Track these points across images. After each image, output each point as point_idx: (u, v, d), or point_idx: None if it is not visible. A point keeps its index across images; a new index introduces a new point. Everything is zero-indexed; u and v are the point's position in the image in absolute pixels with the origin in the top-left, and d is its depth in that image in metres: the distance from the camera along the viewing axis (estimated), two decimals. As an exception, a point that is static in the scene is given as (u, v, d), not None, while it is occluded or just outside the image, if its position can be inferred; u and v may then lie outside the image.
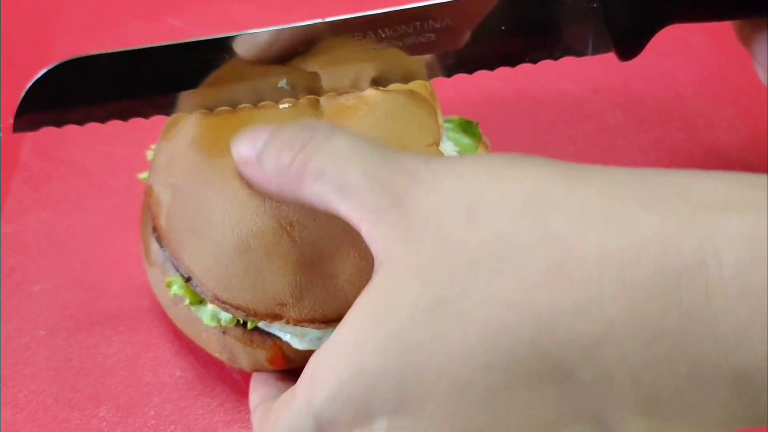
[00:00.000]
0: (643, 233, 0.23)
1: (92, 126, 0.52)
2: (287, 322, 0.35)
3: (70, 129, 0.51)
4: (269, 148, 0.31)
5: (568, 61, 0.55)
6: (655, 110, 0.52)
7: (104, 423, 0.38)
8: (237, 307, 0.35)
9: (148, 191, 0.38)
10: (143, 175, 0.42)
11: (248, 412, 0.39)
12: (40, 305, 0.43)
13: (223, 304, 0.35)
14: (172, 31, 0.58)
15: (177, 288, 0.37)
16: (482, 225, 0.25)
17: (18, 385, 0.40)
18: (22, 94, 0.35)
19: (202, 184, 0.36)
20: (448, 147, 0.40)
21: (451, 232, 0.25)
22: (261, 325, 0.36)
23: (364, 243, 0.28)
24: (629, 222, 0.23)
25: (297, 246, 0.34)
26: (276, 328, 0.36)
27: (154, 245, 0.39)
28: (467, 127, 0.41)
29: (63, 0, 0.60)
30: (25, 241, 0.46)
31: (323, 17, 0.36)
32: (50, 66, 0.34)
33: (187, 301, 0.37)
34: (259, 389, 0.36)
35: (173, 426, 0.38)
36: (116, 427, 0.38)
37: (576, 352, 0.23)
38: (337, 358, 0.26)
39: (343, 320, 0.27)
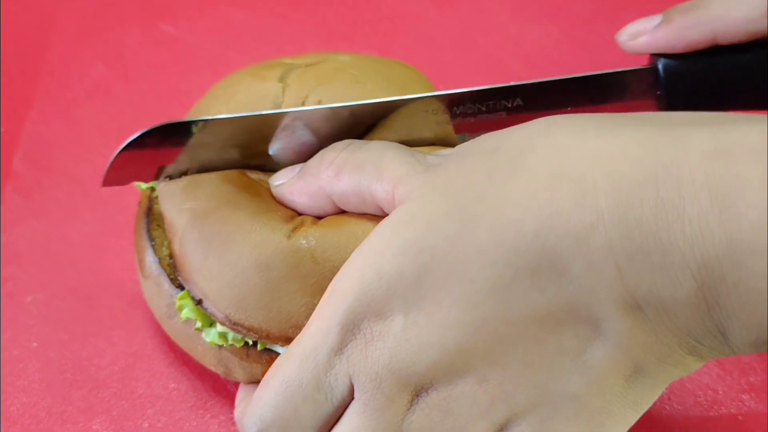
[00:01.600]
0: (628, 137, 0.27)
1: (83, 135, 0.52)
2: None
3: (61, 138, 0.52)
4: (314, 158, 0.36)
5: (563, 67, 0.55)
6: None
7: (97, 436, 0.38)
8: (249, 329, 0.35)
9: (159, 217, 0.38)
10: (142, 184, 0.41)
11: (243, 423, 0.39)
12: (33, 316, 0.42)
13: (235, 325, 0.35)
14: (166, 39, 0.58)
15: (188, 311, 0.36)
16: (501, 151, 0.29)
17: (10, 398, 0.39)
18: (117, 152, 0.37)
19: (228, 206, 0.36)
20: None
21: (473, 159, 0.29)
22: (270, 347, 0.36)
23: None
24: (619, 131, 0.27)
25: (318, 268, 0.34)
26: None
27: (149, 258, 0.38)
28: None
29: (58, 6, 0.60)
30: (17, 251, 0.45)
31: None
32: (145, 129, 0.37)
33: (198, 324, 0.36)
34: (246, 399, 0.35)
35: (167, 438, 0.38)
36: (109, 440, 0.38)
37: (571, 244, 0.26)
38: (358, 268, 0.29)
39: (366, 238, 0.30)
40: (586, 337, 0.27)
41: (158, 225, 0.39)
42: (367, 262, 0.29)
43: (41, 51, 0.57)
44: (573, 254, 0.26)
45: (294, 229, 0.35)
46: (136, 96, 0.54)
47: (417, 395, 0.29)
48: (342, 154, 0.34)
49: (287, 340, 0.34)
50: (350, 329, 0.29)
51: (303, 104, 0.38)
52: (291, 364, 0.30)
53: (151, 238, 0.38)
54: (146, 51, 0.57)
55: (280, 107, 0.39)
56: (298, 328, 0.33)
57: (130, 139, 0.37)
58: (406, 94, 0.38)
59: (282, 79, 0.40)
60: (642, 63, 0.40)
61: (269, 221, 0.35)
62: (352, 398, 0.29)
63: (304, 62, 0.41)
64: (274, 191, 0.37)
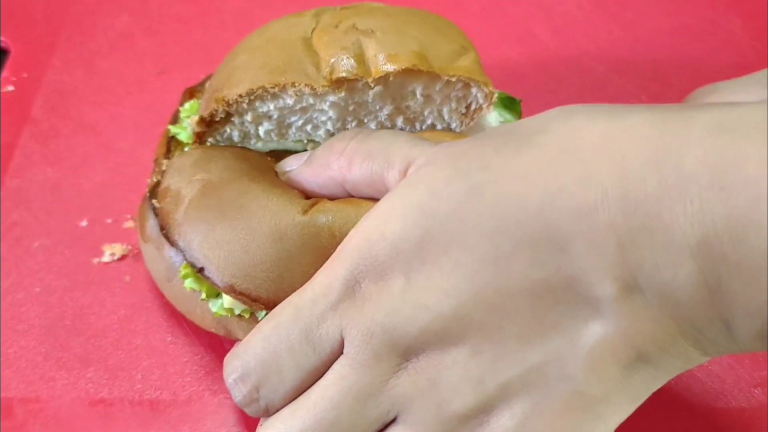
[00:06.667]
0: (636, 119, 0.26)
1: (103, 85, 0.52)
2: None
3: (82, 87, 0.51)
4: (320, 148, 0.36)
5: (594, 40, 0.53)
6: (684, 94, 0.50)
7: (91, 384, 0.38)
8: (255, 299, 0.34)
9: (163, 192, 0.38)
10: (174, 128, 0.41)
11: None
12: (38, 261, 0.43)
13: (239, 295, 0.34)
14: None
15: (191, 282, 0.36)
16: (515, 132, 0.29)
17: (9, 341, 0.39)
18: None
19: (244, 178, 0.36)
20: (493, 117, 0.39)
21: (486, 138, 0.29)
22: None
23: None
24: (629, 115, 0.27)
25: (336, 242, 0.33)
26: None
27: (151, 221, 0.38)
28: (510, 104, 0.41)
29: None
30: (29, 196, 0.46)
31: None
32: None
33: (203, 295, 0.36)
34: None
35: (159, 391, 0.38)
36: (102, 389, 0.38)
37: (573, 220, 0.26)
38: (364, 228, 0.29)
39: (376, 204, 0.30)
40: (585, 318, 0.26)
41: (159, 199, 0.38)
42: (373, 224, 0.29)
43: (68, 1, 0.57)
44: (575, 231, 0.26)
45: (312, 205, 0.35)
46: (159, 48, 0.54)
47: (406, 359, 0.28)
48: (351, 143, 0.34)
49: None
50: (351, 286, 0.29)
51: (336, 28, 0.38)
52: (285, 313, 0.30)
53: (153, 205, 0.38)
54: (171, 3, 0.57)
55: (311, 35, 0.38)
56: None
57: None
58: (440, 35, 0.38)
59: (316, 15, 0.40)
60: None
61: (286, 195, 0.35)
62: (340, 354, 0.29)
63: (340, 7, 0.41)
64: (282, 178, 0.37)
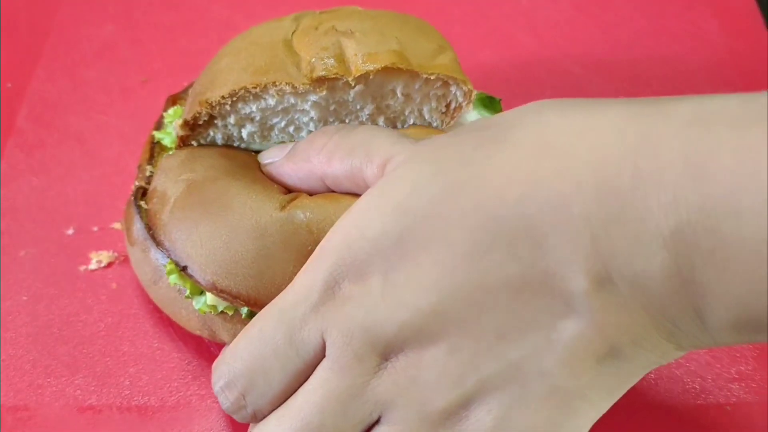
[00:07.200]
0: (613, 113, 0.26)
1: (88, 94, 0.52)
2: None
3: (66, 96, 0.52)
4: (302, 142, 0.36)
5: (574, 43, 0.54)
6: (662, 95, 0.51)
7: (79, 391, 0.38)
8: (236, 296, 0.35)
9: (150, 194, 0.38)
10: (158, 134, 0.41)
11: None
12: (24, 270, 0.43)
13: (221, 293, 0.35)
14: (175, 1, 0.58)
15: (175, 278, 0.36)
16: (493, 127, 0.29)
17: (-3, 349, 0.40)
18: None
19: (226, 176, 0.36)
20: (473, 117, 0.40)
21: (464, 135, 0.30)
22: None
23: None
24: (606, 109, 0.27)
25: (314, 238, 0.34)
26: None
27: (137, 224, 0.38)
28: (489, 103, 0.41)
29: None
30: (15, 205, 0.46)
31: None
32: None
33: (187, 292, 0.36)
34: None
35: (147, 397, 0.38)
36: (91, 395, 0.38)
37: (549, 212, 0.26)
38: (343, 227, 0.29)
39: (355, 202, 0.30)
40: (561, 313, 0.26)
41: (146, 201, 0.39)
42: (352, 223, 0.29)
43: (51, 9, 0.57)
44: (551, 223, 0.26)
45: (291, 201, 0.35)
46: (143, 57, 0.54)
47: (386, 359, 0.28)
48: (333, 138, 0.35)
49: None
50: (331, 287, 0.29)
51: (316, 30, 0.39)
52: (269, 317, 0.30)
53: (139, 207, 0.38)
54: (155, 13, 0.57)
55: (291, 38, 0.39)
56: None
57: None
58: (419, 36, 0.39)
59: (296, 19, 0.41)
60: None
61: (266, 191, 0.36)
62: (323, 356, 0.29)
63: (319, 11, 0.42)
64: (263, 169, 0.38)
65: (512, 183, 0.26)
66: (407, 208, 0.28)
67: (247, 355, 0.30)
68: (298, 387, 0.30)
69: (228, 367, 0.31)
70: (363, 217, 0.29)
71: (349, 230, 0.29)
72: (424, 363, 0.28)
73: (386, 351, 0.28)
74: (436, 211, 0.27)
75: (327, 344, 0.29)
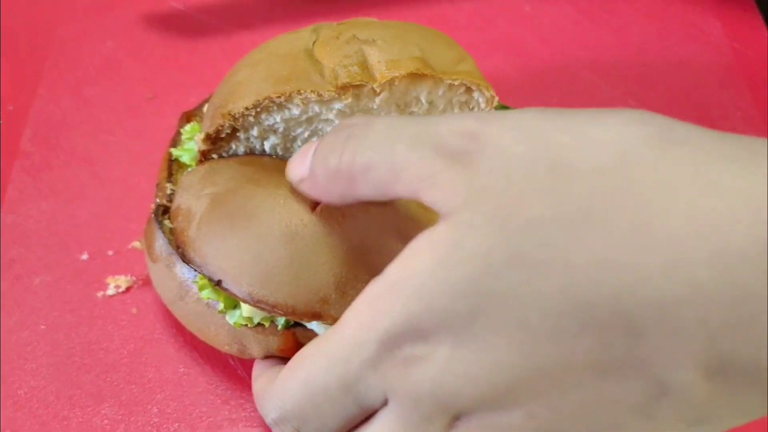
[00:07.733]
0: (736, 197, 0.23)
1: (92, 113, 0.51)
2: (326, 322, 0.34)
3: (70, 116, 0.51)
4: (316, 158, 0.31)
5: (580, 47, 0.54)
6: (670, 98, 0.51)
7: (106, 421, 0.37)
8: (274, 306, 0.34)
9: (174, 212, 0.37)
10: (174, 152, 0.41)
11: (253, 409, 0.38)
12: (40, 299, 0.42)
13: (258, 303, 0.34)
14: (176, 15, 0.57)
15: (208, 292, 0.36)
16: (565, 167, 0.25)
17: (18, 381, 0.39)
18: None
19: (249, 184, 0.36)
20: None
21: (527, 176, 0.25)
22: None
23: (412, 238, 0.27)
24: (722, 185, 0.23)
25: (347, 238, 0.33)
26: (314, 325, 0.36)
27: (159, 240, 0.38)
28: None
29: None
30: (25, 231, 0.45)
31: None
32: None
33: (221, 306, 0.36)
34: (264, 374, 0.34)
35: (177, 424, 0.37)
36: (118, 425, 0.37)
37: (654, 312, 0.23)
38: (400, 296, 0.26)
39: (396, 261, 0.27)
40: (654, 395, 0.25)
41: (171, 220, 0.38)
42: (414, 293, 0.26)
43: (51, 28, 0.56)
44: (654, 322, 0.23)
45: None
46: (147, 73, 0.53)
47: (457, 419, 0.27)
48: (344, 157, 0.30)
49: (314, 316, 0.34)
50: (389, 348, 0.27)
51: (337, 39, 0.38)
52: (318, 363, 0.29)
53: (160, 223, 0.38)
54: (155, 28, 0.56)
55: (312, 47, 0.39)
56: (327, 302, 0.33)
57: None
58: (439, 44, 0.39)
59: (315, 30, 0.40)
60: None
61: (294, 194, 0.35)
62: (384, 404, 0.28)
63: (336, 23, 0.41)
64: (297, 188, 0.34)
65: (608, 276, 0.24)
66: (481, 289, 0.25)
67: (298, 396, 0.29)
68: (353, 425, 0.29)
69: (280, 401, 0.30)
70: (425, 289, 0.26)
71: (409, 300, 0.26)
72: (499, 427, 0.26)
73: (457, 414, 0.27)
74: (516, 295, 0.25)
75: (391, 402, 0.28)
